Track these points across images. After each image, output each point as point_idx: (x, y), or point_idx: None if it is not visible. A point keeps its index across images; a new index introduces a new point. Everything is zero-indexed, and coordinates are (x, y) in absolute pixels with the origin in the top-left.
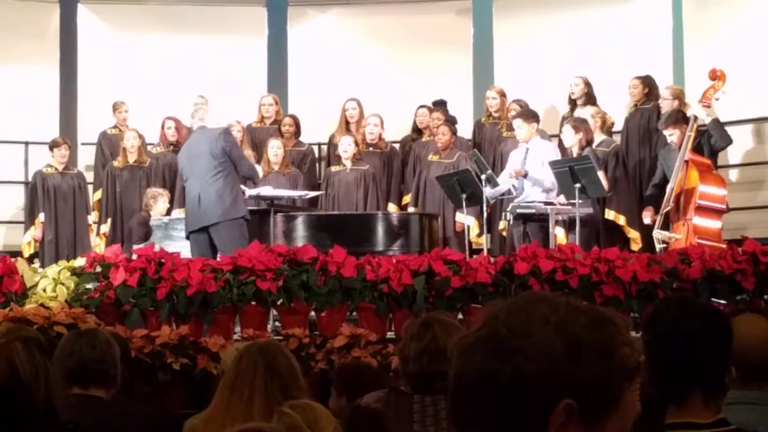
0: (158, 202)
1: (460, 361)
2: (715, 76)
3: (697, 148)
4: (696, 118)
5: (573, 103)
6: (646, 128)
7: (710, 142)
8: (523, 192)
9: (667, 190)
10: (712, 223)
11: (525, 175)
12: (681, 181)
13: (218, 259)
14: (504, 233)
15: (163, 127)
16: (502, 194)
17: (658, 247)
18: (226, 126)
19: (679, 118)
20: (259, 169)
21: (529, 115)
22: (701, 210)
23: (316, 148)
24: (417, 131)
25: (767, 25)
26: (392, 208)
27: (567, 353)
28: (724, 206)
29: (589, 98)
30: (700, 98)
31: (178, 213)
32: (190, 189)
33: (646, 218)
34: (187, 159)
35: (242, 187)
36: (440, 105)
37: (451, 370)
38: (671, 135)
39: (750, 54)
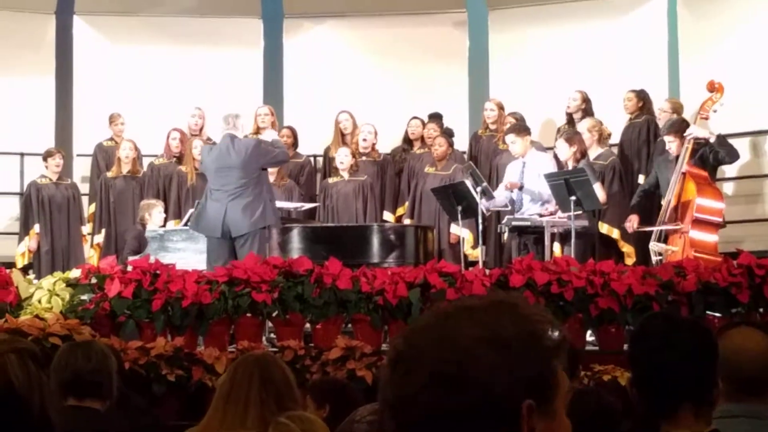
0: (153, 213)
1: (397, 393)
2: (713, 88)
3: (698, 161)
4: (692, 135)
5: (570, 117)
6: (639, 142)
7: (717, 158)
8: (522, 207)
9: (663, 202)
10: (709, 237)
11: (520, 188)
12: (678, 192)
13: None
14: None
15: (168, 138)
16: (501, 207)
17: (654, 259)
18: (257, 138)
19: (683, 127)
20: (272, 134)
21: (521, 129)
22: (698, 223)
23: (312, 160)
24: (408, 142)
25: (763, 38)
26: (388, 216)
27: (508, 363)
28: (720, 219)
29: (586, 113)
30: (698, 110)
31: (173, 225)
32: (216, 199)
33: (629, 224)
34: (217, 170)
35: None
36: (436, 117)
37: (387, 398)
38: (671, 142)
39: (746, 67)
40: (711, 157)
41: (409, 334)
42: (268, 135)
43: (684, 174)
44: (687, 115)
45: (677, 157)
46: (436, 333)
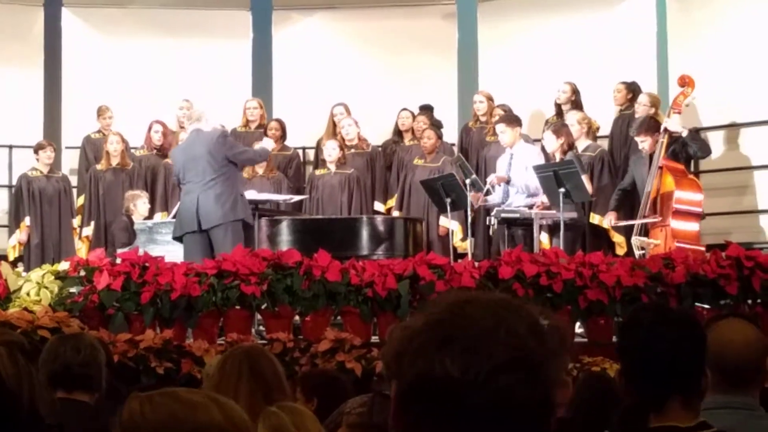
0: (138, 204)
1: (460, 371)
2: (684, 82)
3: (672, 155)
4: (667, 130)
5: (559, 109)
6: (626, 133)
7: (689, 152)
8: (508, 198)
9: (642, 197)
10: (690, 226)
11: (508, 182)
12: (656, 186)
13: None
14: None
15: (149, 130)
16: (497, 202)
17: (637, 253)
18: (222, 128)
19: (651, 125)
20: (270, 143)
21: (512, 119)
22: (678, 214)
23: (300, 152)
24: (398, 134)
25: (751, 30)
26: (379, 206)
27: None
28: (700, 210)
29: (575, 104)
30: (670, 106)
31: (160, 217)
32: (187, 190)
33: (609, 219)
34: (184, 162)
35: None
36: (426, 110)
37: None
38: (643, 142)
39: (734, 59)
40: (683, 152)
41: (452, 315)
42: (267, 143)
43: (661, 168)
44: (663, 112)
45: (651, 155)
46: (491, 320)
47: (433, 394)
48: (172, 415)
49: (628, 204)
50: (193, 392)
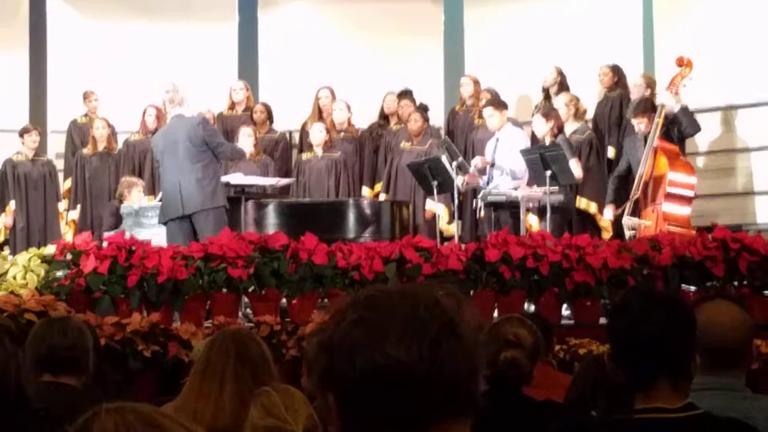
0: (133, 192)
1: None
2: (682, 63)
3: (666, 135)
4: (663, 106)
5: (546, 92)
6: (611, 116)
7: (679, 129)
8: (492, 181)
9: (636, 177)
10: (682, 210)
11: (492, 165)
12: (650, 168)
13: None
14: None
15: (144, 114)
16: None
17: (627, 234)
18: (204, 114)
19: (648, 106)
20: (247, 148)
21: (499, 103)
22: (671, 197)
23: (287, 136)
24: (384, 117)
25: (737, 13)
26: (366, 191)
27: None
28: (693, 193)
29: (562, 87)
30: (667, 85)
31: (146, 201)
32: (167, 176)
33: (608, 214)
34: (164, 146)
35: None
36: (406, 94)
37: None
38: (640, 123)
39: (720, 42)
40: (674, 134)
41: (370, 310)
42: (245, 146)
43: (655, 149)
44: (660, 89)
45: (645, 136)
46: (405, 305)
47: (384, 382)
48: None
49: (624, 191)
50: (168, 417)
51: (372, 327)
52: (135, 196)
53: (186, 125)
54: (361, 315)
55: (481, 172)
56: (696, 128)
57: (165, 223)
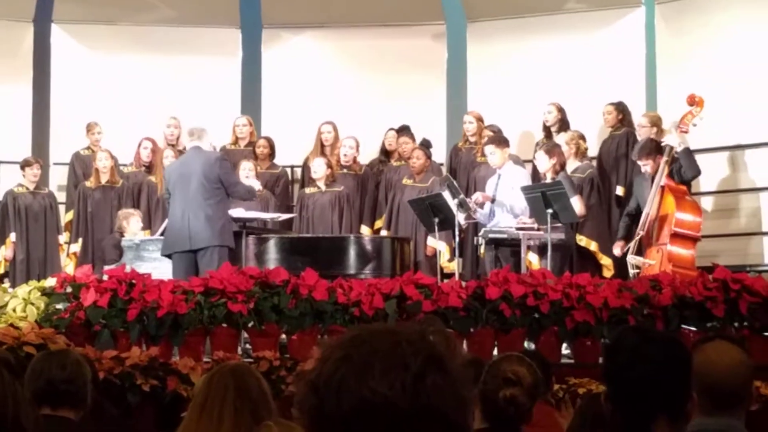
0: (131, 223)
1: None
2: (693, 101)
3: (671, 175)
4: (672, 147)
5: (548, 131)
6: (617, 155)
7: (679, 171)
8: (494, 218)
9: (642, 215)
10: (687, 252)
11: (492, 201)
12: (656, 206)
13: None
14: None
15: (139, 146)
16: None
17: (631, 272)
18: (221, 152)
19: (653, 148)
20: (257, 184)
21: (501, 140)
22: (677, 237)
23: (288, 171)
24: (385, 153)
25: (741, 53)
26: (365, 230)
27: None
28: (698, 234)
29: (564, 124)
30: (677, 123)
31: (143, 235)
32: (175, 207)
33: (617, 250)
34: (179, 177)
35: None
36: (404, 130)
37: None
38: (645, 165)
39: (723, 81)
40: (676, 175)
41: (355, 349)
42: (254, 183)
43: (663, 187)
44: (666, 128)
45: (653, 176)
46: (387, 341)
47: (372, 418)
48: None
49: (635, 228)
50: None
51: (357, 363)
52: (134, 226)
53: (203, 160)
54: (346, 353)
55: (481, 206)
56: (696, 171)
57: (168, 255)
